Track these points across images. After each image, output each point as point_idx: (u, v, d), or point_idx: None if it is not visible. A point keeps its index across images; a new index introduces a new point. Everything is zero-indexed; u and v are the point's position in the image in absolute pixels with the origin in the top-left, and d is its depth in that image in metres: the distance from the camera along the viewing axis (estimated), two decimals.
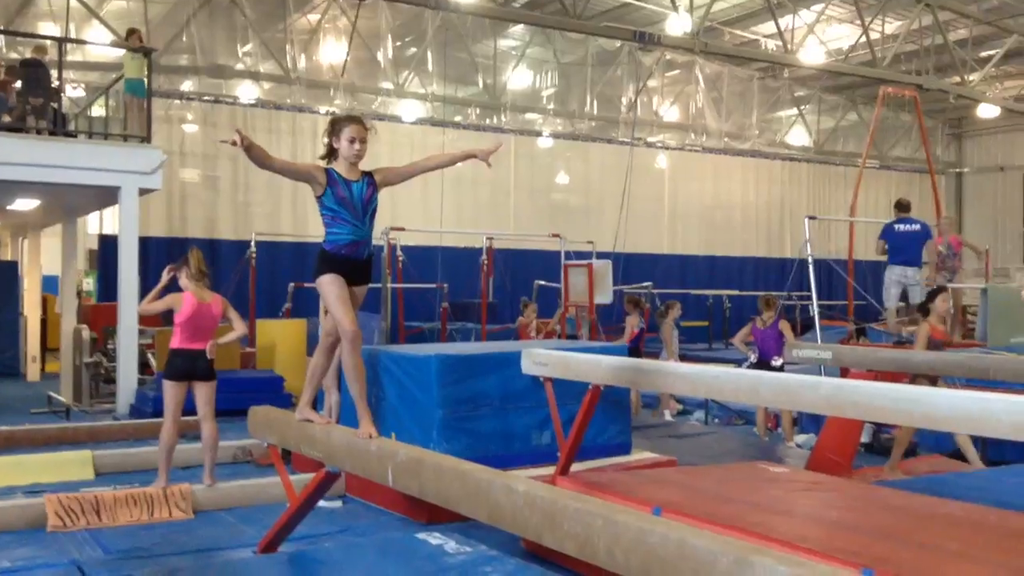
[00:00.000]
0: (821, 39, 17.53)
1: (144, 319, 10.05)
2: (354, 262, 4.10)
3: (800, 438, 8.59)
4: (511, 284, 15.30)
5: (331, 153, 4.10)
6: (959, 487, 5.26)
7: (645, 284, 15.61)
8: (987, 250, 19.39)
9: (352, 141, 4.00)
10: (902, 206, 10.32)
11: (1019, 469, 6.12)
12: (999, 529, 4.07)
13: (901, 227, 10.01)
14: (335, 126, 4.05)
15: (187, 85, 16.02)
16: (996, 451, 7.28)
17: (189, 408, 6.15)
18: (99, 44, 14.22)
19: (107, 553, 5.00)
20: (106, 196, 10.58)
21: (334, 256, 4.06)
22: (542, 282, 14.99)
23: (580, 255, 13.74)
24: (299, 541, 4.91)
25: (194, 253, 6.16)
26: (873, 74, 16.92)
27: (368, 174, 4.11)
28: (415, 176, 4.39)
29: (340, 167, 4.05)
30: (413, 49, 17.62)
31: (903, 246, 9.95)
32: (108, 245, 13.82)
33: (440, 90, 18.03)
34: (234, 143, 3.68)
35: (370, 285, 4.30)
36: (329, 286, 4.05)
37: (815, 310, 10.48)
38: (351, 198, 4.01)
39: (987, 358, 6.49)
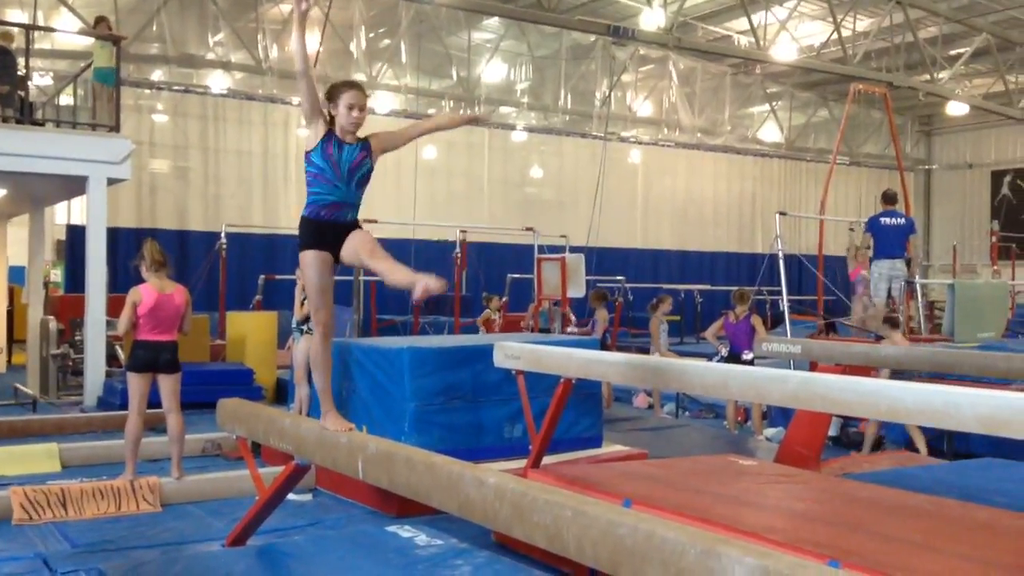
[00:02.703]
0: (793, 36, 17.63)
1: (113, 310, 9.95)
2: (337, 226, 3.84)
3: (769, 431, 8.66)
4: (484, 277, 15.30)
5: (329, 123, 3.88)
6: (925, 480, 5.33)
7: (618, 278, 15.68)
8: (955, 246, 19.70)
9: (351, 108, 3.79)
10: (888, 197, 10.16)
11: (983, 462, 6.21)
12: (963, 521, 4.12)
13: (886, 220, 9.94)
14: (332, 92, 3.86)
15: (157, 74, 15.86)
16: (962, 444, 7.38)
17: (158, 400, 6.10)
18: (67, 32, 14.02)
19: (73, 546, 4.95)
20: (74, 186, 10.45)
21: (315, 220, 3.82)
22: (515, 275, 15.00)
23: (553, 249, 13.76)
24: (268, 534, 4.88)
25: (148, 244, 6.10)
26: (844, 71, 17.05)
27: (364, 140, 3.91)
28: (410, 141, 4.21)
29: (338, 134, 3.86)
30: (387, 41, 17.55)
31: (889, 239, 9.89)
32: (76, 236, 13.67)
33: (414, 82, 17.96)
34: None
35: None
36: (309, 268, 3.84)
37: (785, 305, 10.57)
38: (338, 158, 3.79)
39: (953, 353, 6.57)
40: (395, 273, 3.74)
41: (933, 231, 25.80)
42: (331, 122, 3.86)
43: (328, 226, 3.82)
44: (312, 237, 3.82)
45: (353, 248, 3.83)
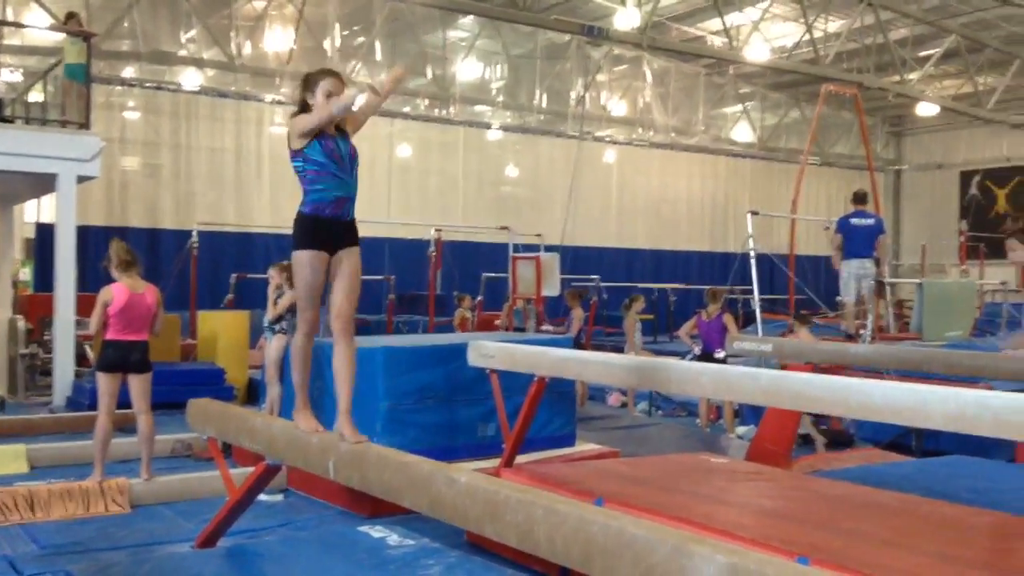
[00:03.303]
0: (766, 37, 17.75)
1: (82, 309, 9.85)
2: (339, 224, 3.77)
3: (741, 429, 8.71)
4: (459, 276, 15.28)
5: (304, 110, 3.81)
6: (893, 477, 5.38)
7: (592, 277, 15.72)
8: (923, 246, 19.92)
9: (329, 96, 3.72)
10: (858, 198, 10.28)
11: (952, 460, 6.29)
12: (930, 518, 4.17)
13: (856, 220, 10.05)
14: (309, 81, 3.79)
15: (128, 71, 15.69)
16: (930, 442, 7.47)
17: (128, 401, 6.04)
18: (37, 28, 13.83)
19: (41, 548, 4.89)
20: (43, 183, 10.32)
21: (317, 219, 3.72)
22: (490, 274, 14.99)
23: (528, 248, 13.77)
24: (239, 535, 4.85)
25: (114, 244, 6.04)
26: (816, 72, 17.19)
27: (342, 130, 3.83)
28: (369, 116, 4.00)
29: None
30: (361, 39, 17.46)
31: (859, 239, 10.00)
32: (45, 234, 13.49)
33: None
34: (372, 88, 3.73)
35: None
36: (303, 268, 3.75)
37: (757, 304, 10.64)
38: (339, 151, 3.72)
39: (922, 351, 6.64)
40: (341, 364, 3.86)
41: (903, 231, 26.07)
42: (302, 111, 3.79)
43: (331, 224, 3.75)
44: (311, 236, 3.74)
45: (343, 277, 3.80)
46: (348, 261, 3.80)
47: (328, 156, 3.70)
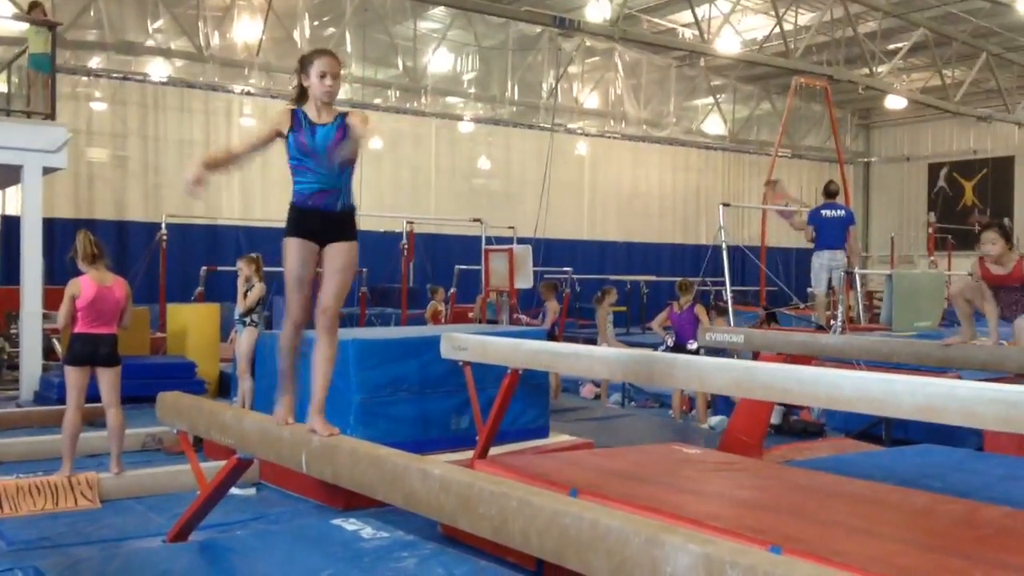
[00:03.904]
0: (737, 29, 17.83)
1: (49, 303, 9.72)
2: (325, 215, 3.66)
3: (713, 420, 8.77)
4: (432, 269, 15.24)
5: (302, 95, 3.73)
6: (864, 466, 5.44)
7: (565, 269, 15.73)
8: (892, 238, 20.13)
9: (323, 76, 3.62)
10: (829, 192, 10.46)
11: (920, 448, 6.36)
12: (901, 506, 4.22)
13: (827, 212, 10.19)
14: (304, 63, 3.68)
15: (95, 61, 15.47)
16: (900, 431, 7.55)
17: (97, 395, 5.97)
18: (0, 17, 13.62)
19: (9, 544, 4.83)
20: (8, 175, 10.17)
21: (301, 209, 3.65)
22: (463, 267, 14.96)
23: (501, 240, 13.75)
24: (211, 529, 4.82)
25: (81, 235, 5.96)
26: (786, 65, 17.29)
27: (342, 115, 3.70)
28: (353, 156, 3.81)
29: (310, 109, 3.68)
30: (331, 29, 17.33)
31: (829, 231, 10.13)
32: (11, 226, 13.28)
33: (359, 72, 17.78)
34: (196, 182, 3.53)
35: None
36: (289, 255, 3.66)
37: (728, 295, 10.70)
38: (313, 144, 3.61)
39: (891, 342, 6.71)
40: (321, 359, 3.75)
41: (872, 223, 26.33)
42: (300, 99, 3.71)
43: (315, 215, 3.66)
44: (296, 224, 3.67)
45: (331, 272, 3.70)
46: (338, 256, 3.70)
47: (299, 150, 3.63)
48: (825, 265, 10.05)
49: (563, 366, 5.14)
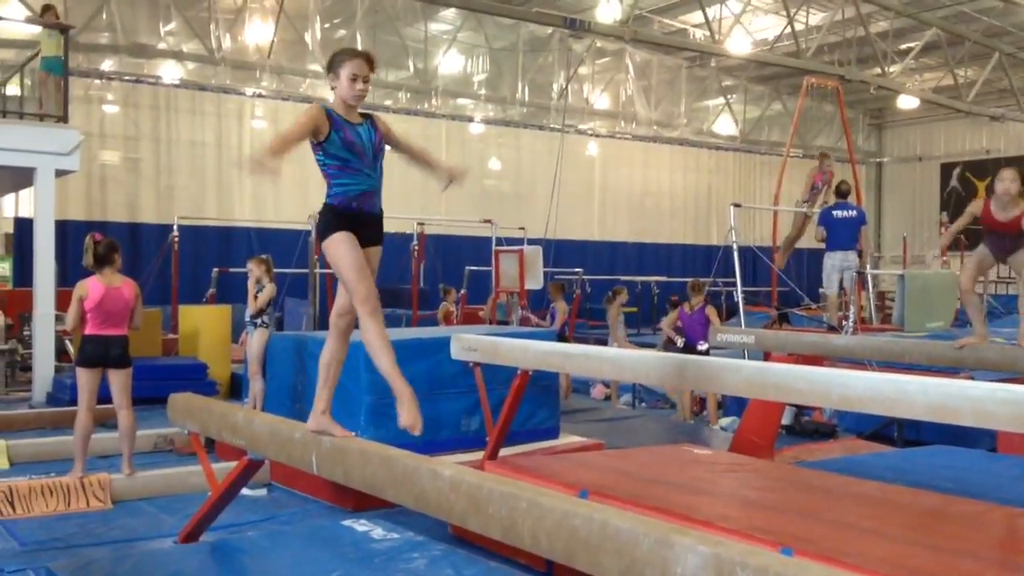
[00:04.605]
0: (747, 30, 17.78)
1: (62, 305, 9.77)
2: (367, 217, 3.55)
3: (724, 421, 8.74)
4: (442, 270, 15.25)
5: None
6: (875, 467, 5.42)
7: (576, 270, 15.72)
8: (905, 238, 20.03)
9: (354, 79, 3.48)
10: (841, 192, 10.42)
11: (933, 449, 6.33)
12: (913, 508, 4.19)
13: (838, 213, 10.13)
14: (334, 62, 3.53)
15: (107, 64, 15.55)
16: (912, 431, 7.52)
17: (108, 396, 5.99)
18: (13, 20, 13.68)
19: (22, 545, 4.85)
20: (21, 178, 10.22)
21: (343, 211, 3.49)
22: (473, 268, 14.97)
23: (511, 241, 13.75)
24: (222, 530, 4.83)
25: (89, 240, 5.98)
26: (797, 65, 17.23)
27: (368, 116, 3.60)
28: (402, 153, 3.85)
29: (338, 108, 3.52)
30: (342, 31, 17.37)
31: (841, 232, 10.08)
32: (24, 228, 13.37)
33: None
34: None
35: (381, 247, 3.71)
36: (339, 247, 3.46)
37: (739, 296, 10.67)
38: (361, 142, 3.50)
39: (902, 342, 6.68)
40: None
41: (884, 223, 26.22)
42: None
43: (359, 217, 3.53)
44: (341, 222, 3.50)
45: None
46: (372, 259, 3.59)
47: (348, 149, 3.48)
48: (837, 266, 9.99)
49: (574, 367, 5.13)
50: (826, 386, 3.40)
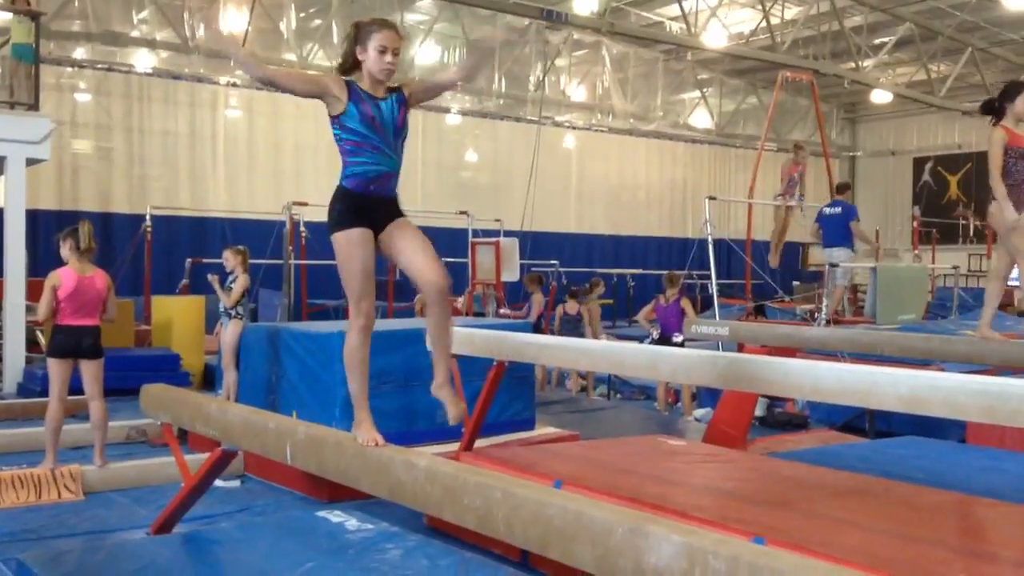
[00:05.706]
0: (723, 23, 17.83)
1: (32, 295, 9.67)
2: (384, 202, 3.26)
3: (698, 412, 8.80)
4: None
5: (352, 67, 3.25)
6: (848, 458, 5.47)
7: (552, 262, 15.74)
8: (877, 231, 20.21)
9: (383, 52, 3.17)
10: (838, 188, 10.74)
11: (904, 440, 6.39)
12: (885, 498, 4.24)
13: (827, 211, 10.42)
14: (360, 31, 3.22)
15: (79, 52, 15.35)
16: (884, 423, 7.60)
17: (80, 387, 5.94)
18: None
19: None
20: None
21: (359, 196, 3.21)
22: (450, 259, 14.94)
23: (488, 233, 13.75)
24: (196, 521, 4.80)
25: (85, 226, 5.93)
26: (772, 58, 17.30)
27: (397, 90, 3.26)
28: (439, 92, 3.59)
29: (363, 83, 3.22)
30: (318, 21, 17.26)
31: (830, 229, 10.30)
32: None
33: None
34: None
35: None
36: (350, 249, 3.20)
37: (714, 288, 10.73)
38: (381, 118, 3.18)
39: (875, 334, 6.74)
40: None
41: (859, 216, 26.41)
42: (349, 70, 3.24)
43: (375, 201, 3.24)
44: (354, 214, 3.21)
45: (411, 242, 3.28)
46: (406, 228, 3.30)
47: (367, 125, 3.17)
48: (828, 262, 10.25)
49: (549, 358, 5.14)
50: (799, 378, 3.43)
